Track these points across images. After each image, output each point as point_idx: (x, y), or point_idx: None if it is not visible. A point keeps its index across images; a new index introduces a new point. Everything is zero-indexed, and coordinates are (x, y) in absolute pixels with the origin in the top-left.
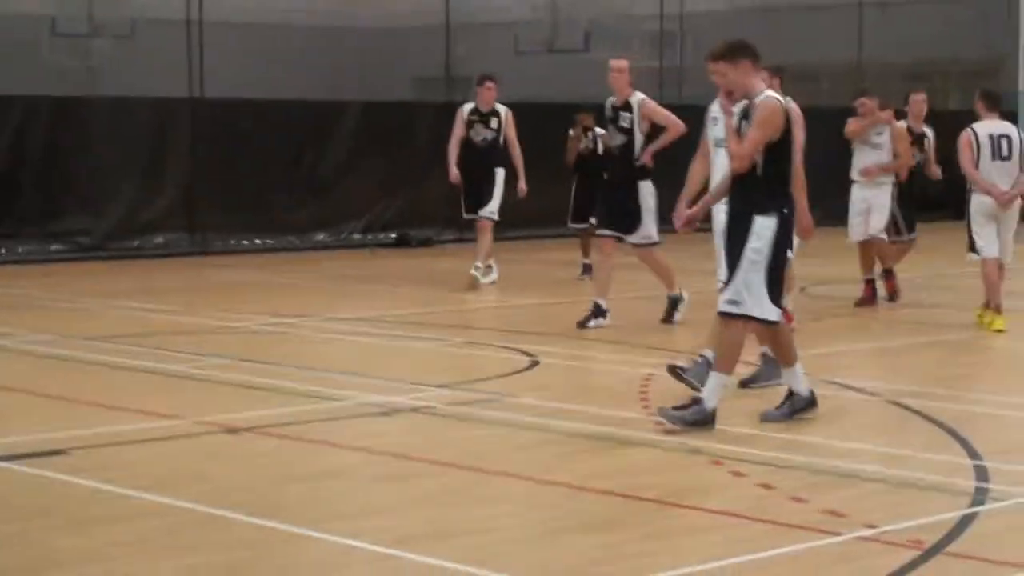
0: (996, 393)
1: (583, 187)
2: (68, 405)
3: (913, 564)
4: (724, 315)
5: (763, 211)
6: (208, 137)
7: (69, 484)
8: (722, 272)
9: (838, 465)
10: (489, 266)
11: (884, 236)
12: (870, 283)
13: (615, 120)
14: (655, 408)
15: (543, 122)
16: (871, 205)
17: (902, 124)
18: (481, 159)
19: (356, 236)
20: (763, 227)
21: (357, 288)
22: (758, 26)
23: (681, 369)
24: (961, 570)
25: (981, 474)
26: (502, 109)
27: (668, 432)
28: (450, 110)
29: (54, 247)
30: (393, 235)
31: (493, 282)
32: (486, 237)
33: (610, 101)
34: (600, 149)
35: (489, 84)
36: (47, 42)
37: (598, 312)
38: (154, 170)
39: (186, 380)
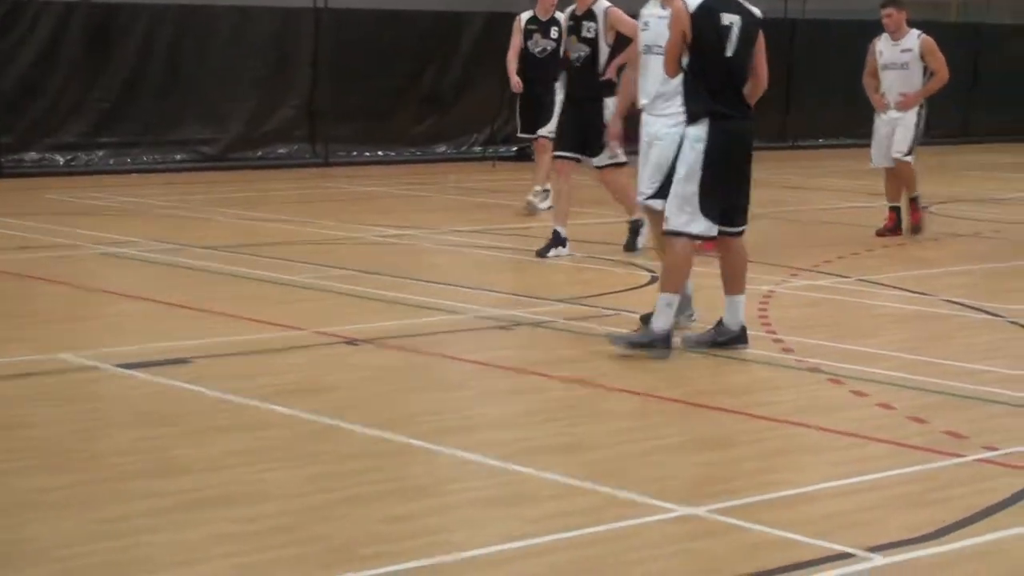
0: None
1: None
2: (191, 314)
3: None
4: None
5: (690, 119)
6: (331, 47)
7: (192, 393)
8: (643, 185)
9: (959, 386)
10: (546, 190)
11: (910, 159)
12: (894, 211)
13: (577, 30)
14: (681, 337)
15: None
16: (895, 126)
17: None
18: (539, 72)
19: (477, 149)
20: (690, 136)
21: (477, 201)
22: None
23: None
24: None
25: None
26: (561, 16)
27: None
28: None
29: (177, 156)
30: (514, 149)
31: (550, 207)
32: (544, 158)
33: (570, 10)
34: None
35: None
36: None
37: (557, 240)
38: (277, 80)
39: (306, 290)
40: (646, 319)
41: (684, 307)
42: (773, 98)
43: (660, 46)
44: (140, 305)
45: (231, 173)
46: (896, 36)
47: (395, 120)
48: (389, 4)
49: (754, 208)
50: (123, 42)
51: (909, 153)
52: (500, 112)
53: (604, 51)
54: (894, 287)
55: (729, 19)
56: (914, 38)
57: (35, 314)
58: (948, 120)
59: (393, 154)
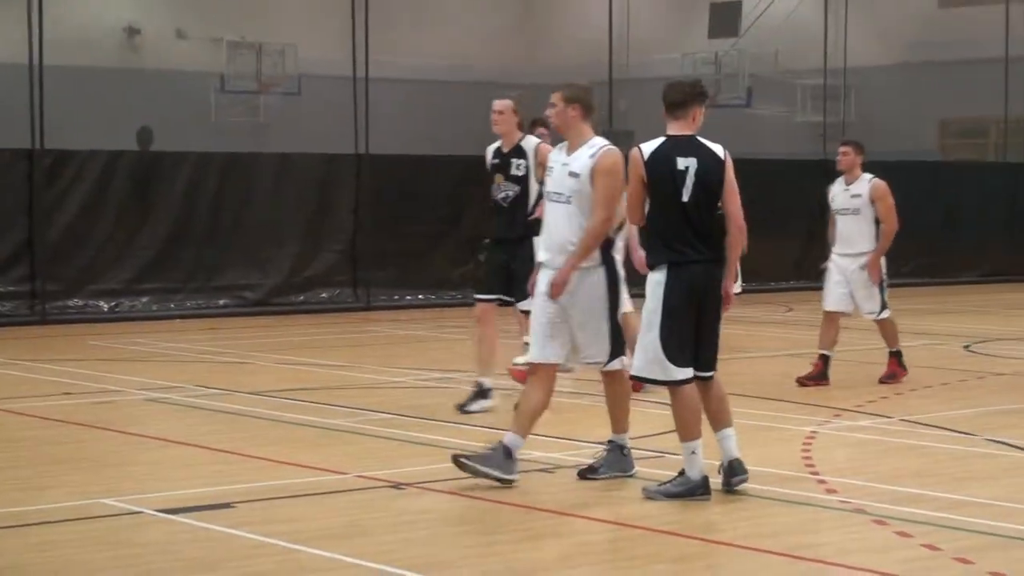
0: None
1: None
2: (235, 459)
3: None
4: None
5: (651, 266)
6: (372, 192)
7: (235, 537)
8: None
9: (1005, 526)
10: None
11: (887, 315)
12: (822, 359)
13: (504, 168)
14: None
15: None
16: (855, 285)
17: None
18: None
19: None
20: (650, 283)
21: (517, 343)
22: (922, 81)
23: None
24: None
25: None
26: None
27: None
28: None
29: (221, 301)
30: None
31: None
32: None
33: (495, 148)
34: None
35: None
36: (217, 99)
37: (481, 393)
38: (319, 225)
39: (350, 434)
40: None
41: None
42: None
43: (560, 194)
44: (183, 450)
45: (274, 318)
46: (848, 179)
47: (435, 263)
48: (427, 150)
49: (793, 348)
50: (167, 190)
51: (883, 309)
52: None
53: (534, 189)
54: (937, 427)
55: (685, 163)
56: (865, 183)
57: (79, 460)
58: (992, 259)
59: (433, 297)
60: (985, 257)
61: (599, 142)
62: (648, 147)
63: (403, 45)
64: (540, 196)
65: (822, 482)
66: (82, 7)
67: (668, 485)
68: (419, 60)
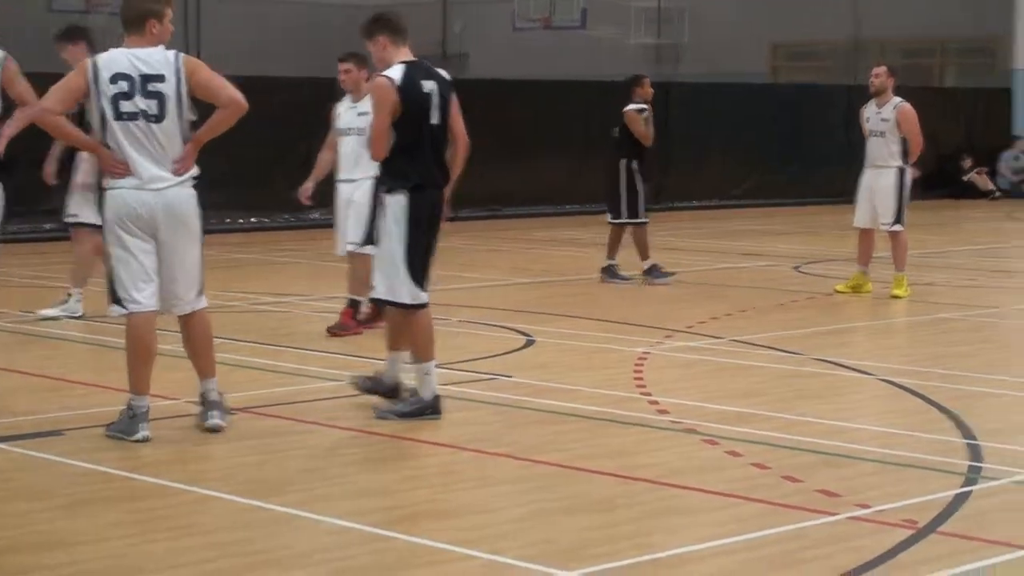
0: (990, 372)
1: (644, 171)
2: (63, 385)
3: (906, 543)
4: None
5: (389, 189)
6: (204, 115)
7: (65, 465)
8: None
9: (832, 445)
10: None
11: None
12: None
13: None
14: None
15: (544, 98)
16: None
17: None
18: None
19: None
20: (391, 206)
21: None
22: (757, 4)
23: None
24: (953, 549)
25: (975, 453)
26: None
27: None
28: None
29: (47, 226)
30: None
31: None
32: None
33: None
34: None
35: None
36: (44, 17)
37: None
38: None
39: (179, 359)
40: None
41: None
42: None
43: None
44: (8, 378)
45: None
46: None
47: (270, 187)
48: (256, 70)
49: (633, 270)
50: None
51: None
52: None
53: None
54: (767, 347)
55: (429, 86)
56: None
57: None
58: (825, 180)
59: (267, 220)
60: (819, 179)
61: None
62: (396, 73)
63: None
64: None
65: (654, 403)
66: None
67: (400, 405)
68: None
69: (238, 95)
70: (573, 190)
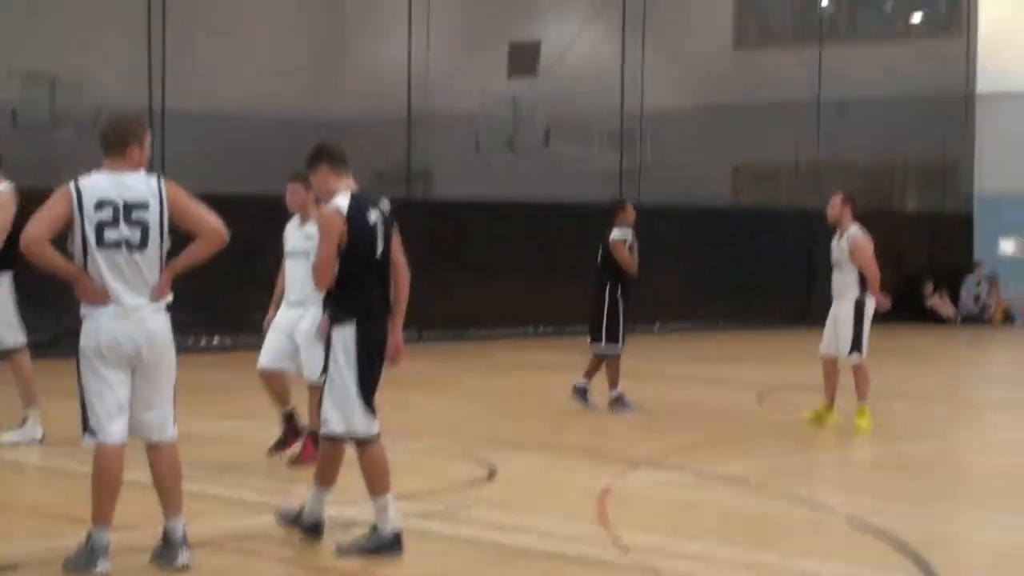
0: (953, 508)
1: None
2: (20, 516)
3: None
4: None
5: (338, 321)
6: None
7: None
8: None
9: None
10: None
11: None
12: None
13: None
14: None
15: (503, 221)
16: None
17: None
18: None
19: None
20: (340, 337)
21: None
22: (719, 124)
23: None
24: None
25: None
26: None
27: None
28: (409, 208)
29: None
30: None
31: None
32: None
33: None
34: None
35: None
36: (8, 133)
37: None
38: None
39: (144, 488)
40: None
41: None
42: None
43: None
44: None
45: (65, 361)
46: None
47: (232, 305)
48: (227, 186)
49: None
50: None
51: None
52: None
53: None
54: (732, 478)
55: (374, 216)
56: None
57: None
58: (788, 306)
59: (229, 341)
60: (780, 303)
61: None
62: (343, 203)
63: (200, 78)
64: None
65: (616, 539)
66: None
67: (360, 540)
68: (218, 93)
69: (220, 226)
70: (535, 311)
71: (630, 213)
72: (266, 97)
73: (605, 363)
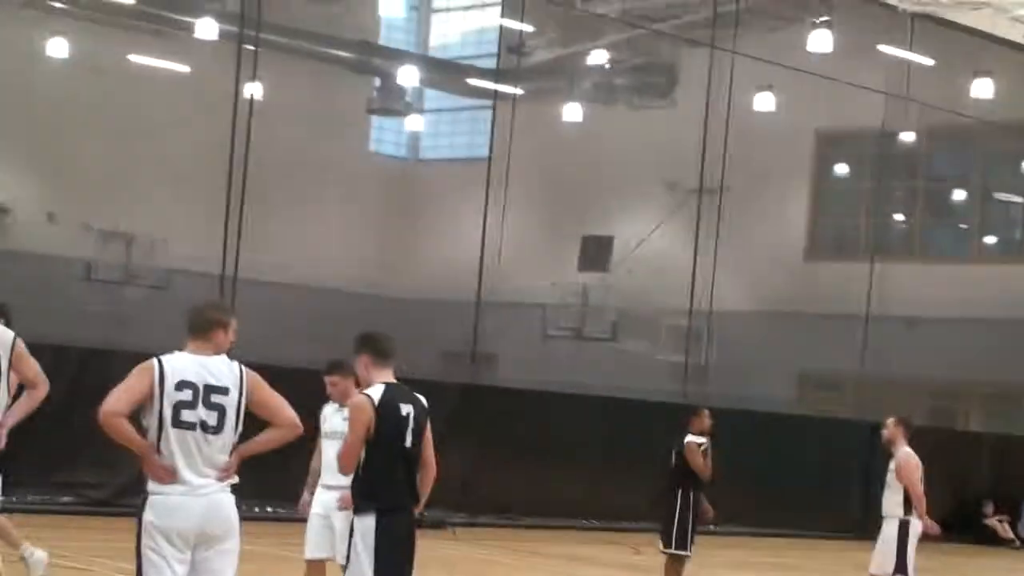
0: None
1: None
2: None
3: None
4: None
5: (359, 510)
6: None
7: None
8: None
9: None
10: None
11: None
12: None
13: None
14: None
15: (565, 410)
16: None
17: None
18: None
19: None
20: (360, 528)
21: None
22: (786, 330)
23: None
24: None
25: None
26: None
27: None
28: (472, 391)
29: (64, 499)
30: None
31: None
32: None
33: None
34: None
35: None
36: (81, 286)
37: None
38: None
39: None
40: None
41: None
42: None
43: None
44: None
45: (120, 520)
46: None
47: (292, 476)
48: (290, 355)
49: None
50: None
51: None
52: None
53: None
54: None
55: (406, 409)
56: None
57: None
58: (846, 515)
59: (283, 512)
60: (837, 514)
61: None
62: (375, 393)
63: (275, 249)
64: None
65: None
66: None
67: None
68: (290, 265)
69: (295, 419)
70: (591, 506)
71: (705, 420)
72: (339, 270)
73: (669, 564)
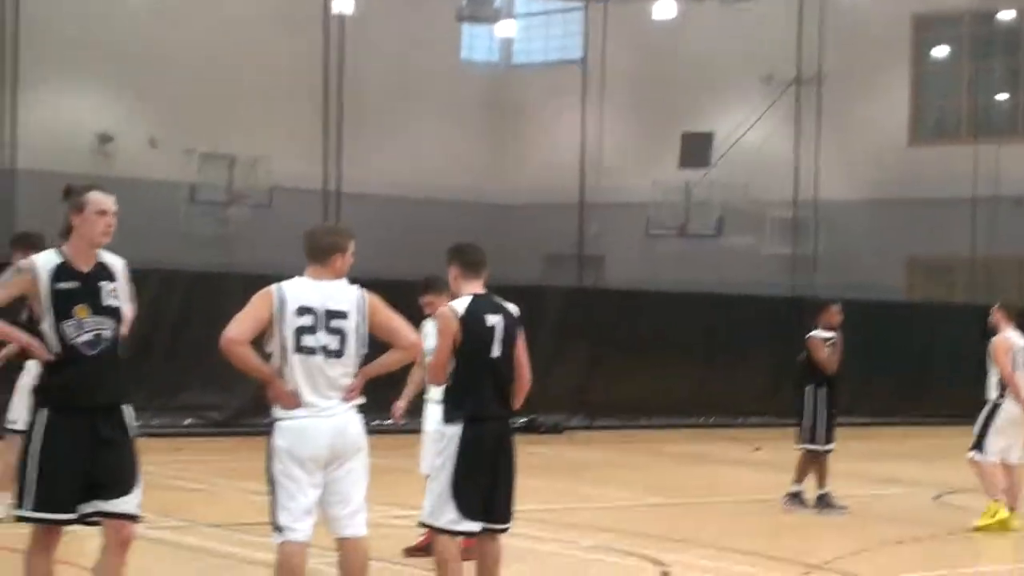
0: None
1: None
2: None
3: None
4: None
5: (448, 419)
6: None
7: None
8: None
9: None
10: None
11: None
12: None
13: None
14: None
15: (673, 309)
16: None
17: (1003, 337)
18: None
19: None
20: (448, 435)
21: None
22: (893, 217)
23: None
24: None
25: None
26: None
27: None
28: (580, 295)
29: (186, 421)
30: (522, 420)
31: None
32: None
33: None
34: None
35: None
36: (186, 208)
37: None
38: None
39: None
40: None
41: None
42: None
43: None
44: None
45: (239, 439)
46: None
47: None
48: (397, 267)
49: (761, 492)
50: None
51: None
52: None
53: None
54: None
55: (493, 320)
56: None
57: None
58: (961, 401)
59: (404, 423)
60: (953, 400)
61: None
62: (460, 305)
63: (374, 162)
64: None
65: None
66: (57, 113)
67: None
68: (392, 175)
69: (417, 340)
70: (702, 402)
71: (834, 315)
72: (439, 180)
73: (811, 461)
